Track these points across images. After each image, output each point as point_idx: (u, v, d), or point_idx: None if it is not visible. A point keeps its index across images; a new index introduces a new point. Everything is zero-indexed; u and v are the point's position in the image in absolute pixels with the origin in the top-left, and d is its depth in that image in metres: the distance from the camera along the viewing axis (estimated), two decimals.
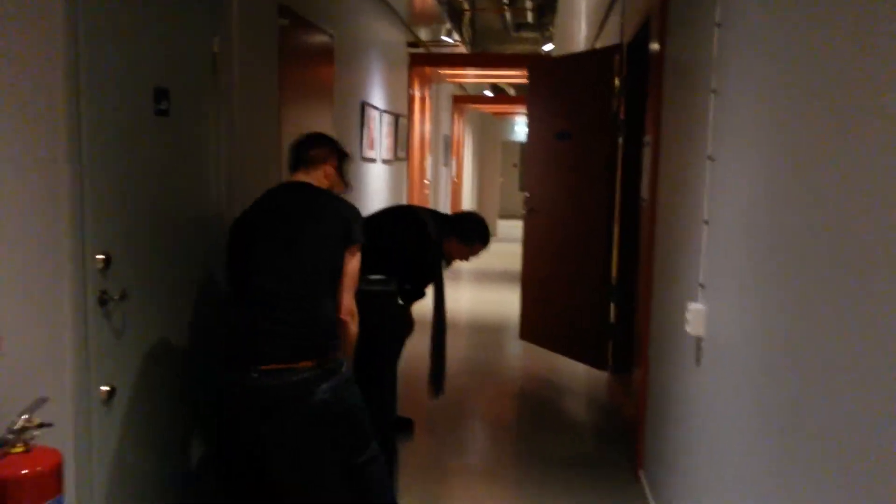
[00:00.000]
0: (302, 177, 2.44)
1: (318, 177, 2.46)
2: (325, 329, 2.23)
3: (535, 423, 4.18)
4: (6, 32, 1.67)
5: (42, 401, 1.67)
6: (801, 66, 1.53)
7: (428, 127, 8.68)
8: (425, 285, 3.48)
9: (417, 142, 8.01)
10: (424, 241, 3.28)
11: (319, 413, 2.19)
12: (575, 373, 5.12)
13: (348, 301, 2.32)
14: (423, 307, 3.62)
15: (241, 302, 2.25)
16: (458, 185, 11.74)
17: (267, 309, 2.19)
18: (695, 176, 2.40)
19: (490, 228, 3.53)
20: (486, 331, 6.46)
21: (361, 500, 2.36)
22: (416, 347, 3.77)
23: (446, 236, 3.36)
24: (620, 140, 4.49)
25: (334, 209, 2.34)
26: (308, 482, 2.28)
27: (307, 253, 2.25)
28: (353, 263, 2.31)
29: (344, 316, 2.32)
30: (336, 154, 2.53)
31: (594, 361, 4.77)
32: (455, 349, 5.74)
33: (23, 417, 1.60)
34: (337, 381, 2.22)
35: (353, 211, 2.38)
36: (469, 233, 3.41)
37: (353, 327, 2.36)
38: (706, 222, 2.22)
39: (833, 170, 1.34)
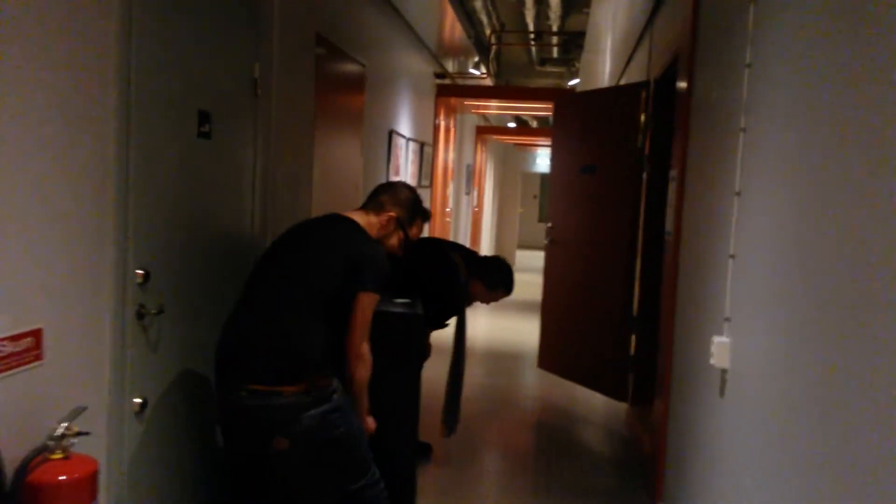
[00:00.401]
0: (357, 215, 2.42)
1: (371, 220, 2.41)
2: (314, 356, 2.18)
3: (552, 453, 4.16)
4: (64, 58, 1.76)
5: (81, 409, 1.73)
6: (830, 104, 1.57)
7: (451, 156, 8.78)
8: (447, 318, 3.53)
9: (441, 170, 8.10)
10: (454, 283, 3.36)
11: (305, 439, 2.15)
12: (593, 404, 5.10)
13: (354, 344, 2.27)
14: (442, 335, 3.65)
15: (236, 317, 2.25)
16: (478, 215, 11.81)
17: (258, 328, 2.19)
18: (722, 211, 2.43)
19: (514, 277, 3.59)
20: (504, 359, 6.46)
21: None
22: (436, 373, 3.79)
23: (472, 278, 3.44)
24: (645, 175, 4.52)
25: (355, 250, 2.27)
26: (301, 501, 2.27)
27: (305, 280, 2.22)
28: (360, 308, 2.24)
29: (351, 359, 2.29)
30: (406, 209, 2.47)
31: (613, 393, 4.75)
32: (473, 376, 5.75)
33: (62, 425, 1.65)
34: (326, 409, 2.17)
35: (374, 257, 2.28)
36: (495, 279, 3.49)
37: (362, 371, 2.31)
38: (732, 256, 2.25)
39: (860, 206, 1.37)
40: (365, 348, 2.30)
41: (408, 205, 2.49)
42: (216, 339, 2.27)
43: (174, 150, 2.25)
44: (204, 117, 2.41)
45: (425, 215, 2.55)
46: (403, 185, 2.60)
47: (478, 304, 3.65)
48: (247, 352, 2.17)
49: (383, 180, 5.27)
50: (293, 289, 2.22)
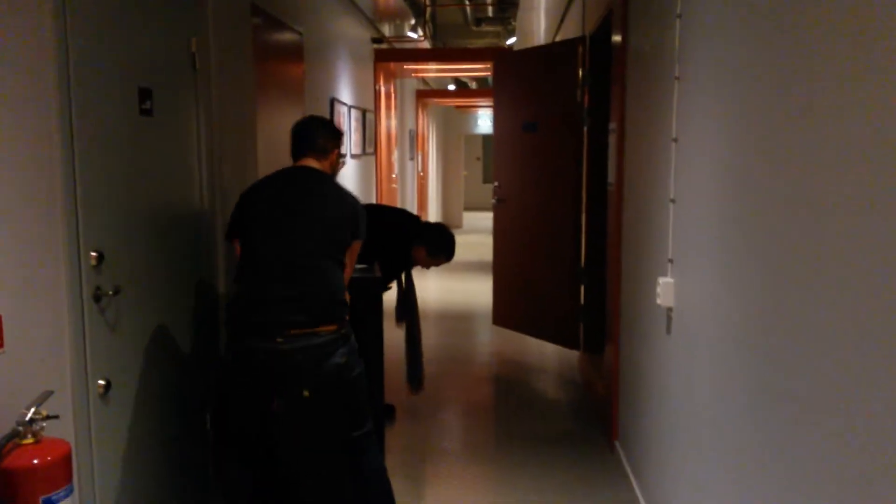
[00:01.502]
0: (312, 163, 2.55)
1: (324, 165, 2.59)
2: (340, 298, 2.37)
3: (510, 404, 4.31)
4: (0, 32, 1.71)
5: (48, 393, 1.73)
6: (760, 50, 1.66)
7: (394, 122, 8.74)
8: (392, 280, 3.64)
9: (384, 137, 8.07)
10: (398, 249, 3.52)
11: (334, 377, 2.30)
12: (547, 354, 5.27)
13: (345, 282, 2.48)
14: (388, 298, 3.73)
15: (258, 271, 2.33)
16: (424, 179, 11.82)
17: (289, 277, 2.30)
18: (661, 158, 2.54)
19: (455, 243, 3.70)
20: (458, 318, 6.58)
21: (355, 472, 2.46)
22: (389, 337, 3.86)
23: (416, 243, 3.55)
24: (586, 129, 4.63)
25: (347, 201, 2.47)
26: (312, 451, 2.36)
27: (322, 230, 2.37)
28: (353, 253, 2.48)
29: None
30: (339, 145, 2.68)
31: (566, 342, 4.92)
32: (429, 337, 5.85)
33: (31, 409, 1.65)
34: (350, 348, 2.36)
35: (361, 207, 2.51)
36: (437, 245, 3.61)
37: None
38: (673, 201, 2.36)
39: (792, 145, 1.48)
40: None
41: (339, 141, 2.69)
42: (233, 294, 2.38)
43: (118, 129, 2.21)
44: (145, 94, 2.38)
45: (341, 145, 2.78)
46: (325, 122, 2.75)
47: (423, 268, 3.74)
48: (282, 300, 2.27)
49: None
50: (314, 239, 2.35)
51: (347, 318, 2.40)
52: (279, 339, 2.24)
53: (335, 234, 2.40)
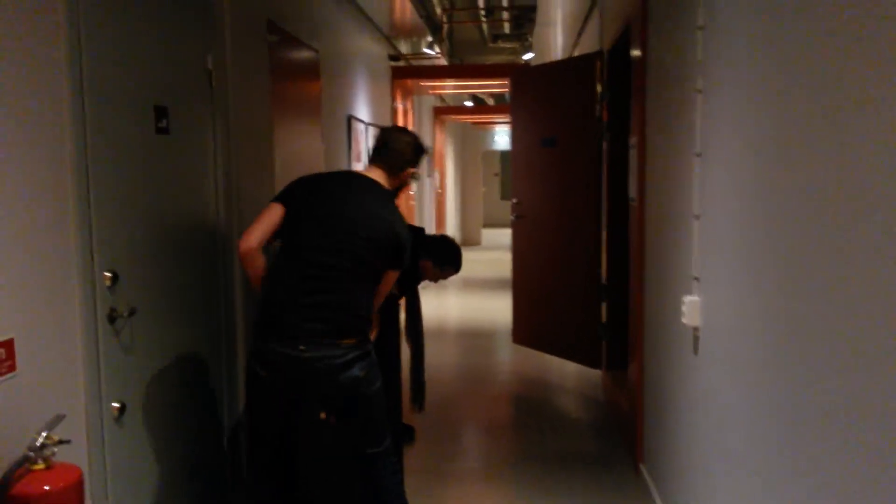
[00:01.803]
0: (378, 175, 2.49)
1: (392, 181, 2.51)
2: (364, 314, 2.35)
3: (532, 423, 4.22)
4: (13, 58, 1.70)
5: (60, 418, 1.70)
6: (786, 61, 1.60)
7: None
8: (403, 294, 3.59)
9: None
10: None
11: (352, 389, 2.28)
12: (568, 373, 5.18)
13: (377, 307, 2.48)
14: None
15: (292, 273, 2.30)
16: (441, 196, 11.81)
17: (320, 283, 2.28)
18: (684, 173, 2.47)
19: (462, 255, 3.64)
20: (477, 336, 6.51)
21: (369, 490, 2.42)
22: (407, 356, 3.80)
23: (421, 257, 3.50)
24: (605, 144, 4.57)
25: (395, 229, 2.39)
26: (326, 463, 2.36)
27: (363, 249, 2.32)
28: (388, 281, 2.45)
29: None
30: (418, 164, 2.60)
31: (588, 360, 4.83)
32: (448, 355, 5.79)
33: (42, 434, 1.62)
34: (370, 363, 2.34)
35: (408, 238, 2.44)
36: (443, 257, 3.54)
37: (375, 335, 2.52)
38: (697, 217, 2.30)
39: (820, 159, 1.41)
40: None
41: (418, 158, 2.59)
42: (263, 296, 2.34)
43: (133, 148, 2.20)
44: (161, 112, 2.37)
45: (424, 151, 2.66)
46: (411, 137, 2.62)
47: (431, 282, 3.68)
48: (310, 307, 2.26)
49: (345, 167, 5.23)
50: (352, 254, 2.31)
51: (372, 336, 2.39)
52: (301, 347, 2.23)
53: (372, 257, 2.35)
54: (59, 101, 1.86)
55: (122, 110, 2.14)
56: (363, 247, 2.32)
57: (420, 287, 3.59)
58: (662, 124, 2.92)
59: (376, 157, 2.54)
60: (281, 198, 2.41)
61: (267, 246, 2.38)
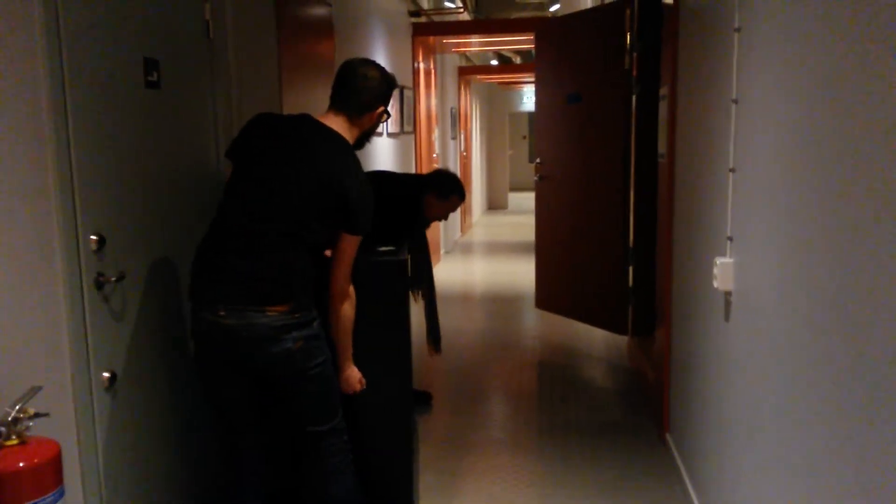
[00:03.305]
0: (337, 123, 2.17)
1: (354, 127, 2.18)
2: (300, 281, 2.09)
3: (556, 391, 4.08)
4: None
5: (35, 390, 1.58)
6: None
7: (434, 100, 8.50)
8: (419, 245, 3.46)
9: (423, 116, 7.85)
10: (410, 211, 3.32)
11: (283, 363, 2.08)
12: (593, 339, 5.02)
13: (339, 281, 2.16)
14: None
15: (218, 237, 2.10)
16: (467, 159, 11.57)
17: (247, 249, 2.05)
18: (718, 123, 2.26)
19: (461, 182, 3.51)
20: (501, 302, 6.37)
21: (312, 471, 2.26)
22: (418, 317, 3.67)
23: (424, 196, 3.36)
24: (634, 97, 4.32)
25: (348, 188, 2.09)
26: (273, 435, 2.22)
27: (304, 206, 2.07)
28: (348, 246, 2.15)
29: (335, 296, 2.18)
30: (387, 101, 2.23)
31: (614, 326, 4.66)
32: (471, 321, 5.66)
33: (15, 408, 1.51)
34: (307, 334, 2.09)
35: (364, 200, 2.13)
36: (444, 186, 3.38)
37: (348, 309, 2.21)
38: (732, 171, 2.09)
39: (871, 102, 1.21)
40: (350, 287, 2.21)
41: (387, 98, 2.24)
42: (193, 260, 2.15)
43: (119, 103, 2.05)
44: (151, 65, 2.21)
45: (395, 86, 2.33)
46: (368, 69, 2.23)
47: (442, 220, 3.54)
48: (230, 275, 2.05)
49: None
50: (279, 216, 2.06)
51: (308, 305, 2.12)
52: (221, 312, 2.02)
53: (313, 219, 2.08)
54: (33, 48, 1.71)
55: (107, 61, 1.99)
56: (303, 208, 2.06)
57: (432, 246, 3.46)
58: (696, 70, 2.69)
59: (336, 100, 2.19)
60: (229, 151, 2.20)
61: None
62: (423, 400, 3.85)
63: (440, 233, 8.68)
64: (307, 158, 2.10)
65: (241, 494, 2.27)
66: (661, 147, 3.31)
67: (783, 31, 1.68)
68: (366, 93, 2.18)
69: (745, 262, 2.00)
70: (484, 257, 8.89)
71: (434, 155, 8.52)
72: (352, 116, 2.19)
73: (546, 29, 5.43)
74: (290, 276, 2.07)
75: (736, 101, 2.05)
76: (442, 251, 8.80)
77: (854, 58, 1.30)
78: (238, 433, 2.25)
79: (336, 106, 2.20)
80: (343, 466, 2.26)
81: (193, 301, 2.11)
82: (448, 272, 7.87)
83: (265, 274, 2.05)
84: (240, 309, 2.03)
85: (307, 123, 2.17)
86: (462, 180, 11.56)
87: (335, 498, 2.25)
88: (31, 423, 1.52)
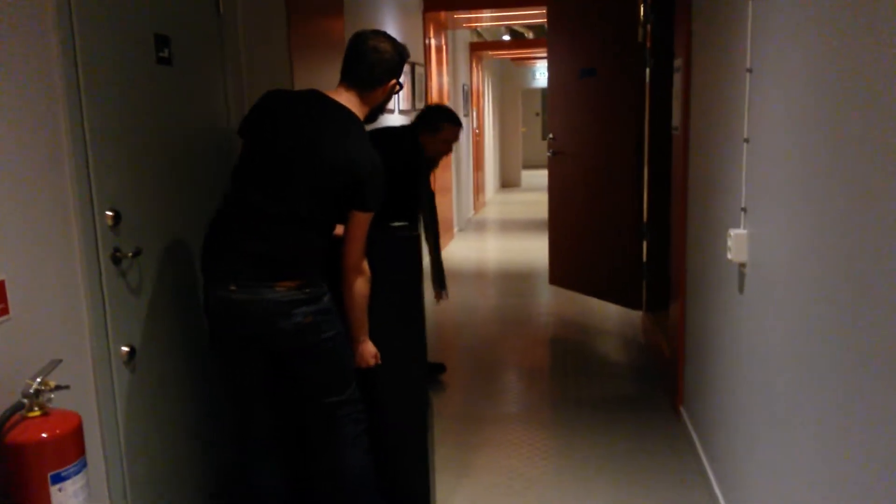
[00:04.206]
0: (347, 98, 2.13)
1: (364, 102, 2.15)
2: (310, 257, 2.09)
3: (569, 366, 4.10)
4: None
5: (55, 363, 1.61)
6: None
7: (445, 77, 8.45)
8: (418, 197, 3.44)
9: (435, 93, 7.80)
10: (413, 161, 3.31)
11: (295, 337, 2.09)
12: (607, 314, 5.02)
13: (352, 257, 2.15)
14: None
15: (229, 215, 2.10)
16: (479, 137, 11.51)
17: (256, 229, 2.05)
18: (732, 93, 2.23)
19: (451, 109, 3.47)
20: (514, 278, 6.37)
21: (327, 443, 2.27)
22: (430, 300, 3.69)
23: (419, 137, 3.35)
24: (648, 71, 4.27)
25: (360, 165, 2.06)
26: (288, 409, 2.24)
27: (315, 188, 2.05)
28: (360, 223, 2.12)
29: (349, 272, 2.17)
30: (398, 74, 2.19)
31: (628, 301, 4.65)
32: (485, 298, 5.67)
33: (37, 380, 1.54)
34: (317, 309, 2.10)
35: (375, 175, 2.09)
36: (434, 120, 3.36)
37: (363, 285, 2.19)
38: (746, 141, 2.07)
39: (888, 75, 1.19)
40: (364, 263, 2.20)
41: (398, 73, 2.20)
42: (203, 241, 2.15)
43: (131, 79, 2.06)
44: (162, 41, 2.21)
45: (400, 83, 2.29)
46: (378, 41, 2.17)
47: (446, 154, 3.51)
48: (242, 251, 2.05)
49: None
50: (292, 195, 2.05)
51: (318, 281, 2.11)
52: (232, 287, 2.03)
53: (329, 198, 2.06)
54: (45, 26, 1.72)
55: (118, 38, 2.00)
56: (315, 186, 2.04)
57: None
58: (710, 41, 2.65)
59: (347, 74, 2.14)
60: (240, 129, 2.18)
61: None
62: (438, 370, 3.88)
63: (453, 210, 8.67)
64: (318, 137, 2.07)
65: (253, 475, 2.29)
66: (675, 120, 3.28)
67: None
68: (378, 66, 2.13)
69: (759, 233, 1.99)
70: (497, 235, 8.88)
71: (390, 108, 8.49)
72: (363, 91, 2.15)
73: (559, 2, 5.37)
74: (301, 253, 2.07)
75: (750, 71, 2.03)
76: (455, 229, 8.80)
77: (870, 25, 1.28)
78: (251, 411, 2.26)
79: (347, 80, 2.16)
80: (358, 435, 2.28)
81: (206, 277, 2.13)
82: (461, 250, 7.88)
83: (276, 251, 2.05)
84: (251, 285, 2.04)
85: (317, 100, 2.14)
86: (475, 157, 11.41)
87: (349, 467, 2.27)
88: (52, 396, 1.55)
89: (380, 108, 2.24)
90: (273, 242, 2.05)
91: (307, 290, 2.08)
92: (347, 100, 2.15)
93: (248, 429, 2.28)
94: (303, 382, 2.23)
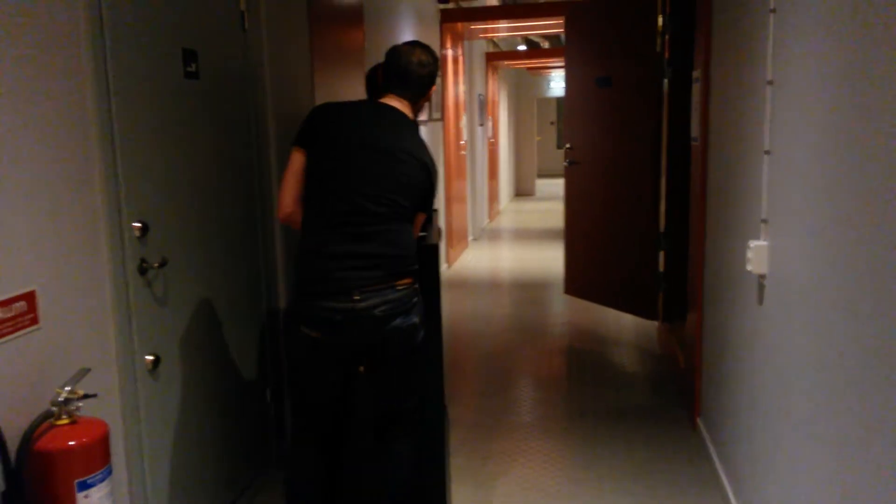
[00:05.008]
0: (400, 104, 2.22)
1: (413, 109, 2.25)
2: (412, 253, 2.16)
3: (585, 377, 4.09)
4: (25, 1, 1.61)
5: (84, 372, 1.65)
6: None
7: (462, 87, 8.49)
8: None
9: (452, 102, 7.84)
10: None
11: (407, 335, 2.13)
12: (624, 325, 5.00)
13: None
14: None
15: (328, 221, 2.07)
16: (494, 146, 11.53)
17: (361, 228, 2.06)
18: (753, 105, 2.24)
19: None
20: (530, 288, 6.37)
21: (381, 450, 2.28)
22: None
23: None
24: (666, 81, 4.28)
25: (428, 169, 2.19)
26: (391, 412, 2.24)
27: (398, 188, 2.11)
28: (417, 225, 2.26)
29: None
30: (435, 79, 2.31)
31: (644, 312, 4.64)
32: (500, 307, 5.68)
33: (66, 389, 1.57)
34: (422, 308, 2.19)
35: (435, 184, 2.23)
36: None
37: None
38: (767, 153, 2.07)
39: None
40: None
41: (436, 78, 2.32)
42: (301, 250, 2.11)
43: (160, 93, 2.10)
44: (189, 56, 2.26)
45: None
46: (430, 54, 2.28)
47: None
48: (356, 256, 2.05)
49: None
50: (388, 195, 2.10)
51: (417, 277, 2.18)
52: (356, 297, 2.01)
53: (406, 198, 2.13)
54: (78, 42, 1.77)
55: (147, 53, 2.04)
56: (406, 185, 2.11)
57: None
58: (729, 53, 2.66)
59: (395, 87, 2.23)
60: (301, 140, 2.15)
61: (304, 196, 2.17)
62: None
63: (468, 219, 8.69)
64: (396, 140, 2.14)
65: (301, 495, 2.26)
66: (694, 131, 3.28)
67: (819, 12, 1.66)
68: (424, 78, 2.25)
69: (779, 245, 1.99)
70: (512, 244, 8.89)
71: (462, 142, 8.53)
72: (414, 100, 2.25)
73: (576, 12, 5.39)
74: (410, 249, 2.14)
75: (771, 83, 2.03)
76: (470, 238, 8.81)
77: (889, 38, 1.29)
78: (318, 429, 2.23)
79: (396, 91, 2.23)
80: (412, 449, 2.31)
81: (313, 294, 2.06)
82: (476, 259, 7.89)
83: (389, 249, 2.09)
84: (376, 289, 2.05)
85: (383, 109, 2.21)
86: (490, 166, 11.39)
87: (403, 485, 2.29)
88: (80, 404, 1.59)
89: (420, 111, 2.35)
90: (382, 241, 2.08)
91: (417, 287, 2.16)
92: (404, 108, 2.24)
93: (310, 445, 2.24)
94: (387, 388, 2.22)
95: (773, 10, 2.00)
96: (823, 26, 1.64)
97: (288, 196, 2.14)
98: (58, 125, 1.70)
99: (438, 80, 7.02)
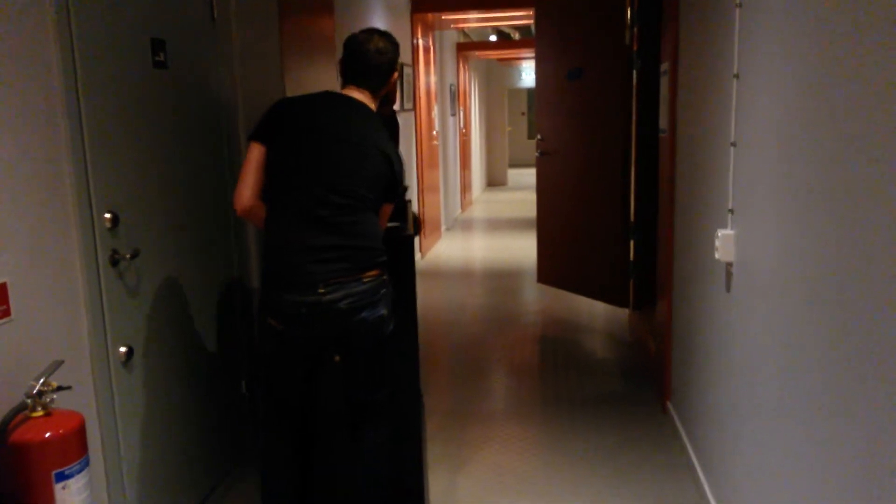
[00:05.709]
0: (360, 95, 2.19)
1: (374, 100, 2.21)
2: (380, 245, 2.15)
3: (558, 364, 4.15)
4: None
5: (57, 364, 1.64)
6: None
7: (433, 77, 8.48)
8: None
9: (423, 93, 7.84)
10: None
11: (375, 327, 2.12)
12: (595, 312, 5.08)
13: None
14: None
15: (294, 214, 2.04)
16: (466, 136, 11.55)
17: (330, 224, 2.03)
18: (719, 98, 2.29)
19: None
20: (502, 277, 6.42)
21: (353, 441, 2.28)
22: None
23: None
24: (635, 73, 4.33)
25: (391, 160, 2.15)
26: (361, 404, 2.24)
27: (362, 177, 2.09)
28: (384, 215, 2.24)
29: None
30: (397, 71, 2.28)
31: (615, 300, 4.71)
32: (474, 297, 5.72)
33: (40, 381, 1.56)
34: (391, 299, 2.17)
35: (402, 168, 2.20)
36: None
37: None
38: (733, 144, 2.12)
39: (872, 81, 1.24)
40: None
41: (397, 66, 2.29)
42: (266, 243, 2.09)
43: (128, 83, 2.08)
44: (158, 45, 2.24)
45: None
46: (390, 41, 2.26)
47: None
48: (323, 251, 2.02)
49: None
50: (352, 187, 2.07)
51: (385, 268, 2.17)
52: (321, 290, 1.99)
53: (371, 189, 2.10)
54: (44, 31, 1.74)
55: (115, 42, 2.02)
56: (369, 177, 2.09)
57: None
58: (697, 47, 2.71)
59: (354, 77, 2.20)
60: (261, 135, 2.10)
61: (265, 191, 2.13)
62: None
63: (440, 209, 8.71)
64: (358, 131, 2.11)
65: (274, 483, 2.25)
66: (662, 122, 3.34)
67: (784, 6, 1.71)
68: (384, 67, 2.21)
69: (745, 233, 2.05)
70: (484, 233, 8.94)
71: (434, 132, 8.53)
72: (375, 91, 2.22)
73: (546, 4, 5.42)
74: (376, 241, 2.13)
75: (737, 76, 2.08)
76: (443, 228, 8.83)
77: (855, 32, 1.33)
78: (288, 419, 2.22)
79: (356, 82, 2.20)
80: (385, 440, 2.30)
81: (279, 287, 2.04)
82: (449, 249, 7.91)
83: (356, 243, 2.07)
84: (341, 282, 2.02)
85: (343, 100, 2.18)
86: (462, 156, 11.42)
87: (372, 473, 2.28)
88: (54, 396, 1.58)
89: (386, 99, 2.30)
90: (348, 234, 2.05)
91: (385, 278, 2.14)
92: (365, 98, 2.20)
93: (282, 437, 2.22)
94: (354, 380, 2.21)
95: (740, 5, 2.04)
96: (788, 21, 1.68)
97: (247, 190, 2.08)
98: (25, 116, 1.68)
99: (409, 71, 7.00)
